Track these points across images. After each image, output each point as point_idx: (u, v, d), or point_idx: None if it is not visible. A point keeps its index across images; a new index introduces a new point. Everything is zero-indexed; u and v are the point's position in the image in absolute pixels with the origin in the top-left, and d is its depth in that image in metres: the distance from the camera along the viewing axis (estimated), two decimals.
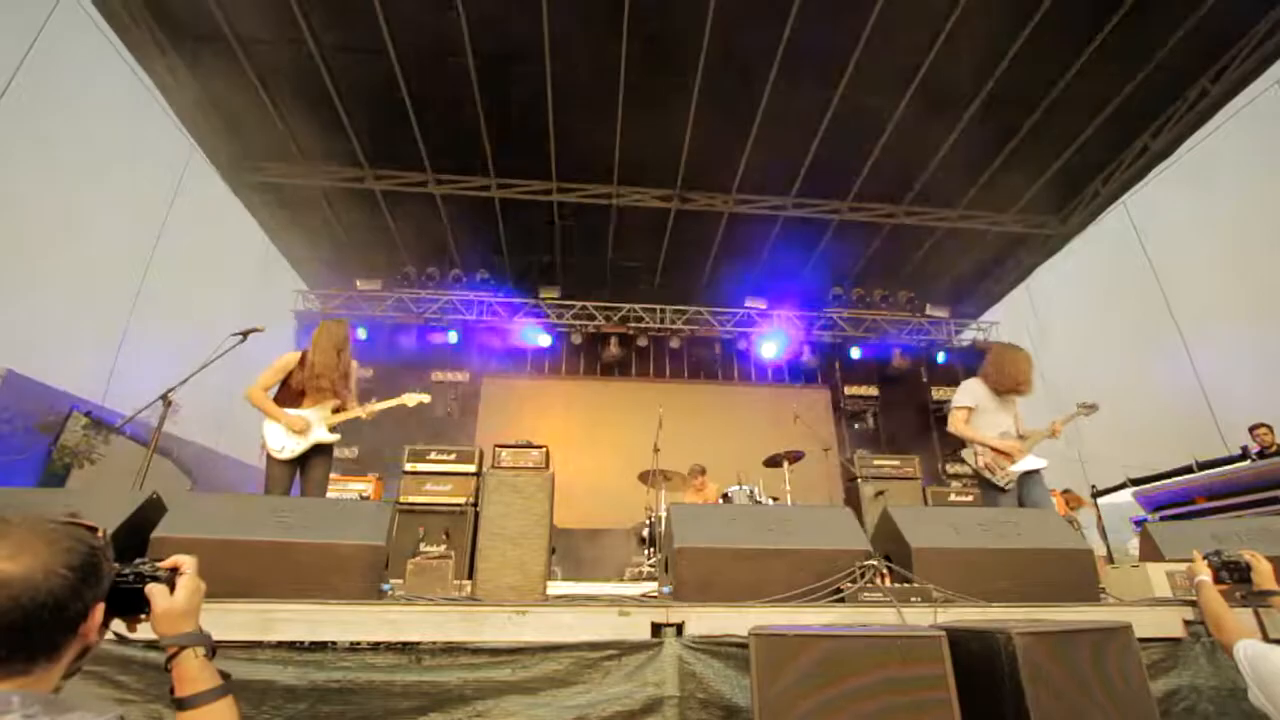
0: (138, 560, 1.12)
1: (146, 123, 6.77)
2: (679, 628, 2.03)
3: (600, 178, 8.69)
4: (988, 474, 3.95)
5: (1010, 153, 8.05)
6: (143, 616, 1.09)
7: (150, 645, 1.78)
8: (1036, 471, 3.99)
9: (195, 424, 7.40)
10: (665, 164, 8.39)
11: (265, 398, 3.92)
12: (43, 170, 5.47)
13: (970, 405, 4.13)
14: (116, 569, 1.06)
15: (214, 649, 1.12)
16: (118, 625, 1.08)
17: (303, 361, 4.04)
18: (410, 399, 4.49)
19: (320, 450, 3.99)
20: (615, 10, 6.21)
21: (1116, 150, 8.00)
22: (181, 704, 1.05)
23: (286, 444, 3.87)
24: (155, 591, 1.08)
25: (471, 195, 8.82)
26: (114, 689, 1.79)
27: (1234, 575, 2.21)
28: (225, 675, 1.10)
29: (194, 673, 1.06)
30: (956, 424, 4.15)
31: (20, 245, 5.28)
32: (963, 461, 4.24)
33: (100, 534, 0.99)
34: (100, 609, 0.96)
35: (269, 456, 3.89)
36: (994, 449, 3.96)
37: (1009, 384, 4.13)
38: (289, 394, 4.01)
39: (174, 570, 1.14)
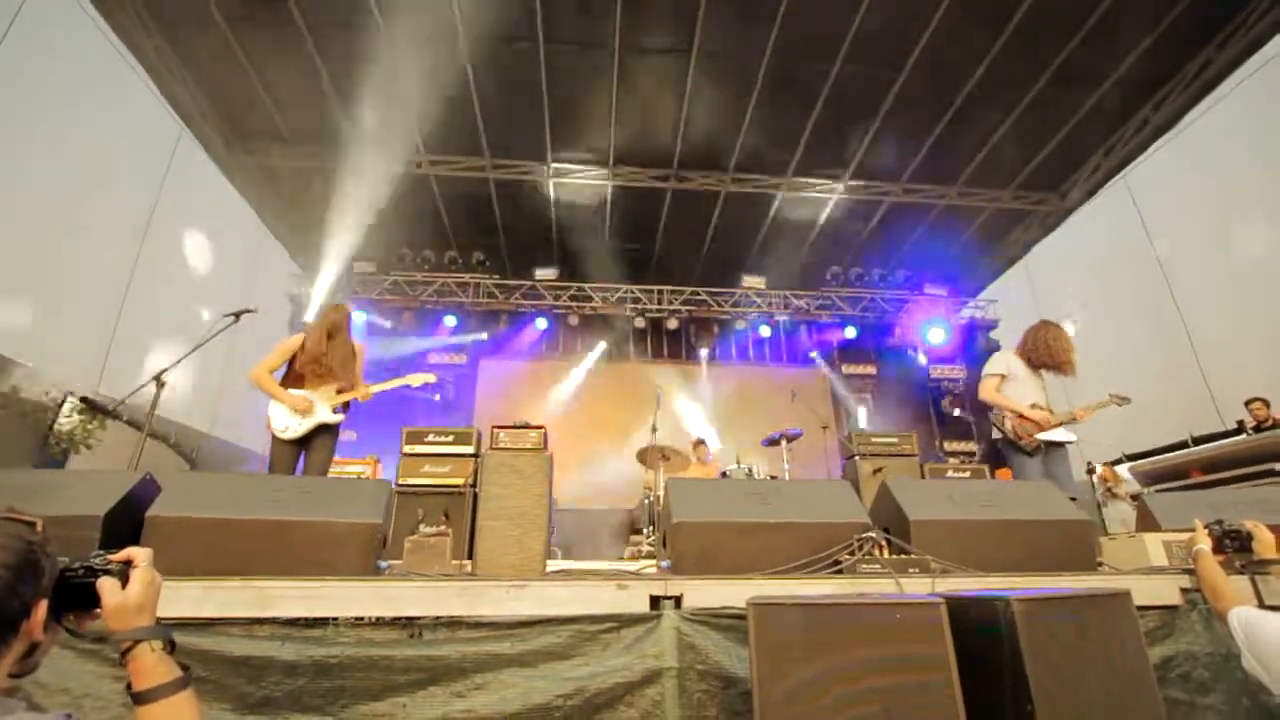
0: (93, 554, 1.08)
1: (134, 104, 6.64)
2: (677, 600, 2.02)
3: (596, 158, 8.58)
4: (1014, 437, 3.97)
5: (1010, 127, 7.95)
6: (96, 611, 1.05)
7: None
8: (1062, 446, 3.99)
9: (192, 407, 7.38)
10: (661, 143, 8.28)
11: (268, 378, 3.98)
12: (29, 153, 5.37)
13: (1002, 373, 4.16)
14: (65, 563, 1.03)
15: (172, 643, 1.07)
16: (70, 621, 1.05)
17: (304, 345, 4.12)
18: (415, 379, 4.49)
19: (324, 431, 4.03)
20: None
21: (1118, 123, 7.90)
22: (139, 698, 1.01)
23: (290, 424, 3.92)
24: (105, 586, 1.04)
25: (465, 176, 8.72)
26: (113, 666, 1.78)
27: (1235, 544, 2.21)
28: (185, 667, 1.06)
29: (150, 666, 1.02)
30: (987, 391, 4.17)
31: (9, 230, 5.20)
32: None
33: (39, 528, 0.96)
34: (44, 605, 0.93)
35: (273, 437, 3.94)
36: (1021, 416, 3.98)
37: (1044, 359, 4.15)
38: (293, 376, 4.09)
39: (127, 563, 1.08)
